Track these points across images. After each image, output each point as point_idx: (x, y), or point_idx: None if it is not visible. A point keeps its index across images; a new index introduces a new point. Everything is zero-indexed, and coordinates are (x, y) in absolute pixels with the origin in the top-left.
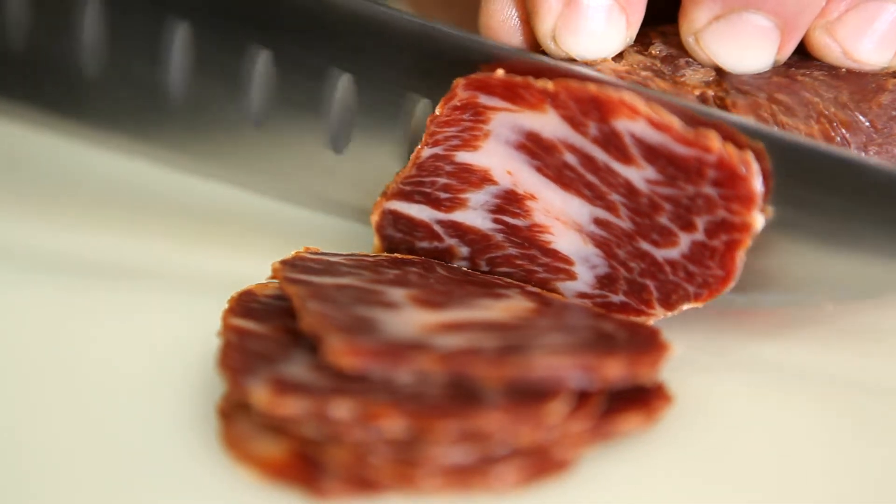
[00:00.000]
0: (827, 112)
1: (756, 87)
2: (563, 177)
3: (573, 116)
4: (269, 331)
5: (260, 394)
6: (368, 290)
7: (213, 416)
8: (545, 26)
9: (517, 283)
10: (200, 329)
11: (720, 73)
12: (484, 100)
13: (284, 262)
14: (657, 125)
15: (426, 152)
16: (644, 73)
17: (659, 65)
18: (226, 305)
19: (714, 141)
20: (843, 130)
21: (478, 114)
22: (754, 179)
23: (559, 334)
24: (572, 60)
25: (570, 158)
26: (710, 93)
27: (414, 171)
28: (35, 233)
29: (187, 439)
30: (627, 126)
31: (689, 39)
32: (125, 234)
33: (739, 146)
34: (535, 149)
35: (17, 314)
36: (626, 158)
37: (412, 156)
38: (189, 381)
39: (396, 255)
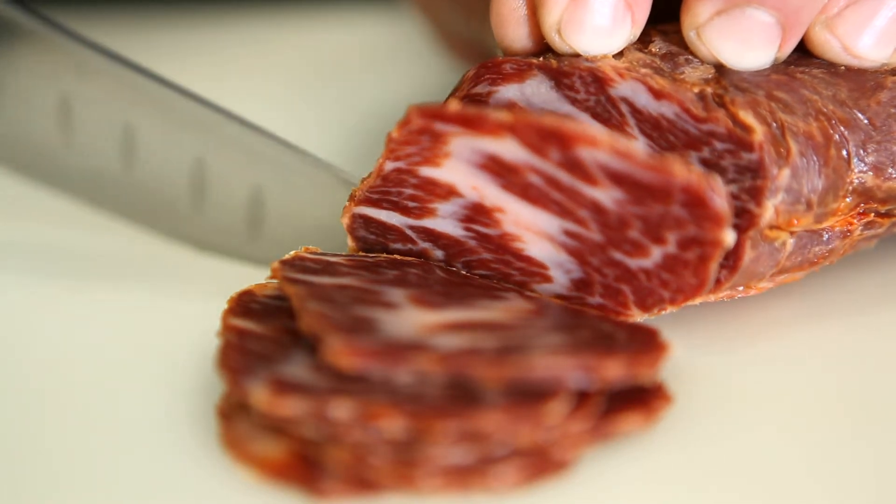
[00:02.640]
0: (825, 110)
1: (755, 84)
2: (529, 194)
3: (533, 143)
4: (269, 331)
5: (259, 394)
6: (368, 290)
7: (212, 417)
8: (551, 19)
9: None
10: (200, 329)
11: (719, 70)
12: (440, 126)
13: (284, 262)
14: (619, 153)
15: (389, 165)
16: (644, 70)
17: (658, 62)
18: (225, 305)
19: (677, 167)
20: (842, 128)
21: (436, 136)
22: (721, 201)
23: (558, 334)
24: (576, 55)
25: (535, 179)
26: (709, 90)
27: (379, 181)
28: (33, 233)
29: (186, 440)
30: (590, 153)
31: (690, 34)
32: (124, 234)
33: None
34: (498, 169)
35: (15, 314)
36: (591, 181)
37: (375, 167)
38: (189, 381)
39: (396, 255)
